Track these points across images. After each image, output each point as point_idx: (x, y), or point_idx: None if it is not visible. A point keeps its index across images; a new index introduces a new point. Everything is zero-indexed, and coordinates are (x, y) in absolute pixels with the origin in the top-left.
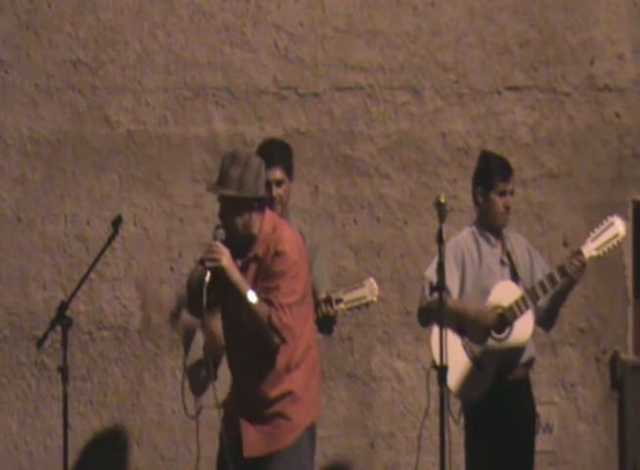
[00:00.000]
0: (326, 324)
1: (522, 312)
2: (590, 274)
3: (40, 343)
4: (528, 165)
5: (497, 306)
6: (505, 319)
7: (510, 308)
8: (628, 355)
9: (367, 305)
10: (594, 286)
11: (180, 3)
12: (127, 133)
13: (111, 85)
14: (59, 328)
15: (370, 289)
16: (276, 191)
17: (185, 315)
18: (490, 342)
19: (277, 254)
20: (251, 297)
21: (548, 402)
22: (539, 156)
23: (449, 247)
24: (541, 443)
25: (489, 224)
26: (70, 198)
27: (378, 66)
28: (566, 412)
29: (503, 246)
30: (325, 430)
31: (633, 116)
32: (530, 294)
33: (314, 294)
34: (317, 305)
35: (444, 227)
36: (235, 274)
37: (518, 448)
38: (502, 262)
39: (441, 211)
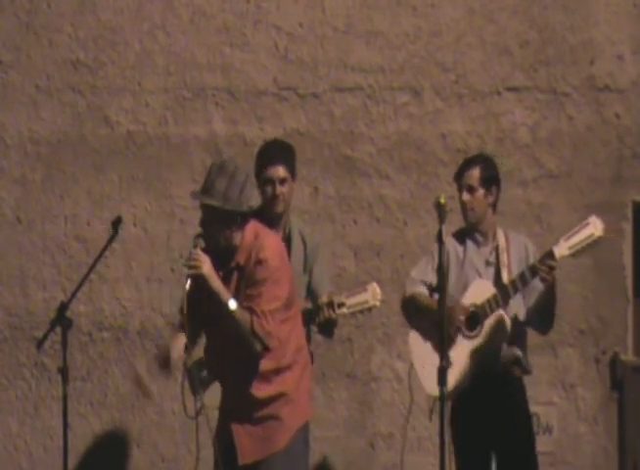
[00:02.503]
0: (327, 327)
1: (492, 311)
2: (589, 274)
3: (40, 343)
4: (528, 166)
5: (470, 305)
6: (477, 317)
7: (482, 306)
8: (628, 356)
9: (369, 309)
10: (593, 286)
11: (180, 3)
12: (127, 134)
13: (110, 86)
14: (59, 329)
15: (373, 294)
16: (279, 190)
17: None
18: (462, 339)
19: (258, 261)
20: (232, 304)
21: (548, 403)
22: (539, 156)
23: (436, 247)
24: (541, 443)
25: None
26: (70, 198)
27: (377, 66)
28: (565, 413)
29: (493, 246)
30: (325, 430)
31: (633, 116)
32: (502, 292)
33: (315, 296)
34: (319, 308)
35: (444, 228)
36: (215, 282)
37: (504, 447)
38: (487, 263)
39: (441, 211)
